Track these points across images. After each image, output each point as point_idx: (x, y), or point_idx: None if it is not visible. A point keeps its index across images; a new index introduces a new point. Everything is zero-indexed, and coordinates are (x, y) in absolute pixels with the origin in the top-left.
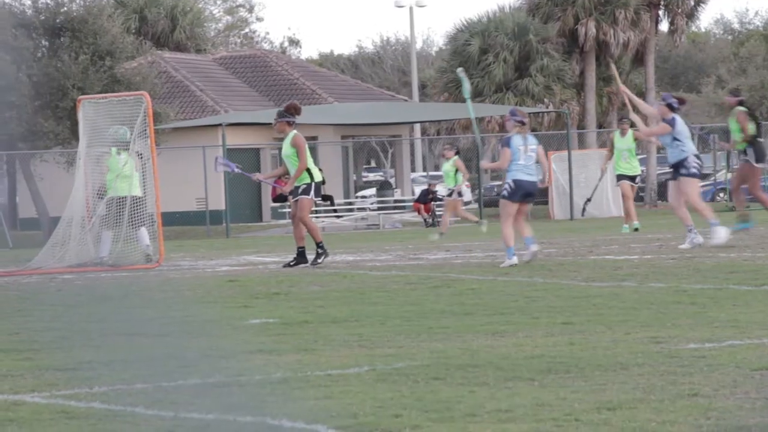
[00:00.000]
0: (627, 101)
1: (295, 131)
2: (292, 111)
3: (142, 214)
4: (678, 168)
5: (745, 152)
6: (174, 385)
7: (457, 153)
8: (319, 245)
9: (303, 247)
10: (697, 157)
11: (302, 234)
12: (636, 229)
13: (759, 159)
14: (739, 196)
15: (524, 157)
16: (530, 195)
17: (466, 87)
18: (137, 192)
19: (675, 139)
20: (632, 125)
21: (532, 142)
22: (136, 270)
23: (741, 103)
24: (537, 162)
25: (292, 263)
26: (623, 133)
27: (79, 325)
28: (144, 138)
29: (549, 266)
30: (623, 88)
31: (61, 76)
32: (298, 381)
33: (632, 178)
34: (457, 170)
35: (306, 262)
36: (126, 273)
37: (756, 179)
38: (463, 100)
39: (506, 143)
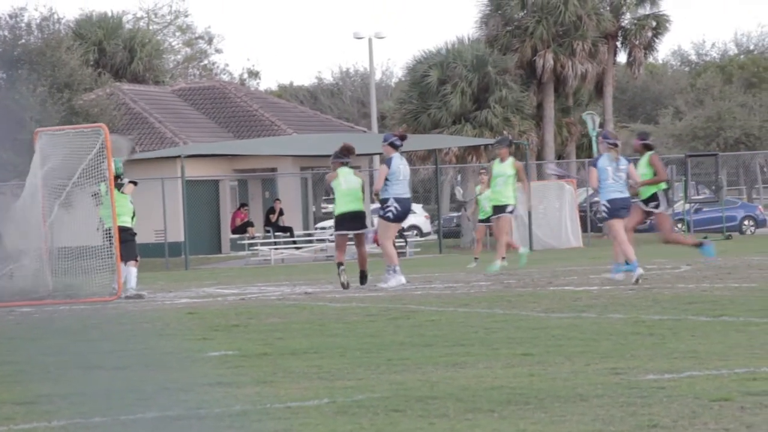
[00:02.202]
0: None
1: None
2: (345, 152)
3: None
4: (380, 207)
5: (653, 198)
6: (133, 419)
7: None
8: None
9: (363, 270)
10: (398, 200)
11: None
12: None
13: (668, 206)
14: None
15: (613, 176)
16: (626, 209)
17: (591, 127)
18: (132, 224)
19: (387, 178)
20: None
21: (623, 163)
22: (95, 302)
23: (650, 147)
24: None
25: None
26: (502, 159)
27: (37, 359)
28: (101, 171)
29: (508, 297)
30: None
31: (19, 109)
32: (257, 413)
33: (501, 209)
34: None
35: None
36: (84, 306)
37: (669, 225)
38: (421, 131)
39: (593, 163)
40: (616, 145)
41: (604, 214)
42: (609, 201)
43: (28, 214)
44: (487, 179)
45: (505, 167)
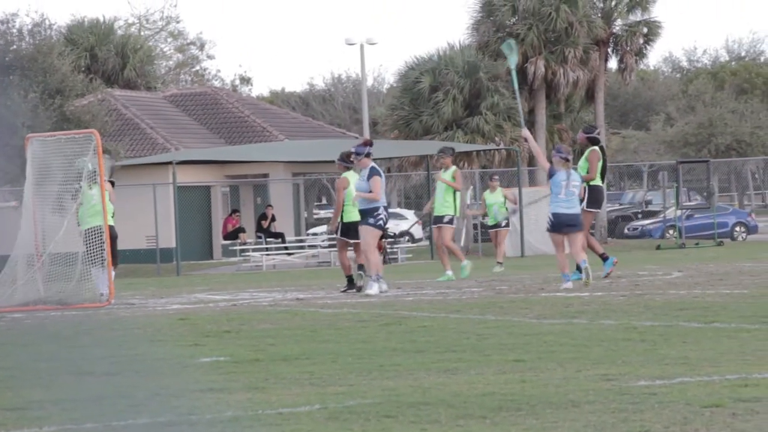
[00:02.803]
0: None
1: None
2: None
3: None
4: (366, 215)
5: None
6: (124, 425)
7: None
8: (368, 276)
9: (351, 276)
10: (385, 209)
11: (348, 263)
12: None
13: (592, 204)
14: (591, 240)
15: (565, 191)
16: (570, 225)
17: (513, 59)
18: (112, 222)
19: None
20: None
21: (575, 178)
22: (86, 308)
23: (594, 142)
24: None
25: (343, 290)
26: (445, 169)
27: (28, 364)
28: (93, 176)
29: (500, 303)
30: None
31: (11, 115)
32: (249, 419)
33: (439, 219)
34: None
35: (354, 288)
36: (76, 312)
37: (587, 224)
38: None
39: (550, 176)
40: (568, 160)
41: (547, 225)
42: (554, 215)
43: (21, 220)
44: (497, 185)
45: (445, 177)
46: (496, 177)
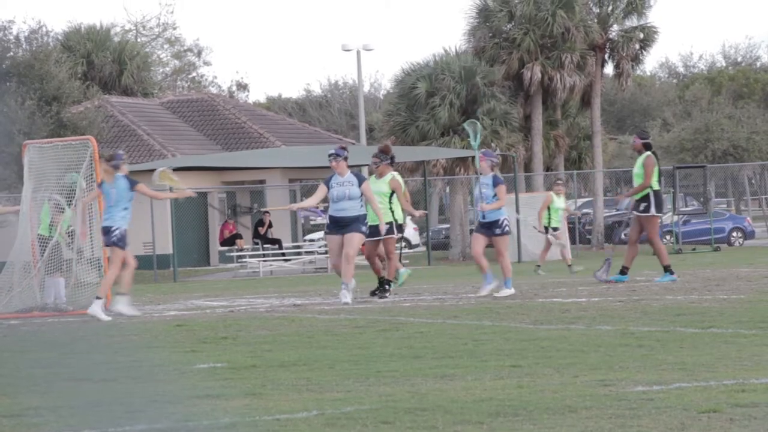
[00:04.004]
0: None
1: (393, 173)
2: (388, 152)
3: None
4: (357, 222)
5: (644, 200)
6: (121, 431)
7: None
8: (387, 281)
9: (383, 277)
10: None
11: (379, 266)
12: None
13: (659, 209)
14: (635, 248)
15: None
16: None
17: (476, 137)
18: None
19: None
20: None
21: None
22: (84, 315)
23: (648, 147)
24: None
25: (377, 292)
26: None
27: (25, 371)
28: (90, 183)
29: (497, 309)
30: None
31: (8, 122)
32: (246, 426)
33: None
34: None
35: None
36: (73, 318)
37: (655, 228)
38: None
39: (501, 181)
40: (498, 164)
41: (508, 228)
42: (508, 216)
43: (18, 227)
44: (563, 190)
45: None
46: (561, 181)
